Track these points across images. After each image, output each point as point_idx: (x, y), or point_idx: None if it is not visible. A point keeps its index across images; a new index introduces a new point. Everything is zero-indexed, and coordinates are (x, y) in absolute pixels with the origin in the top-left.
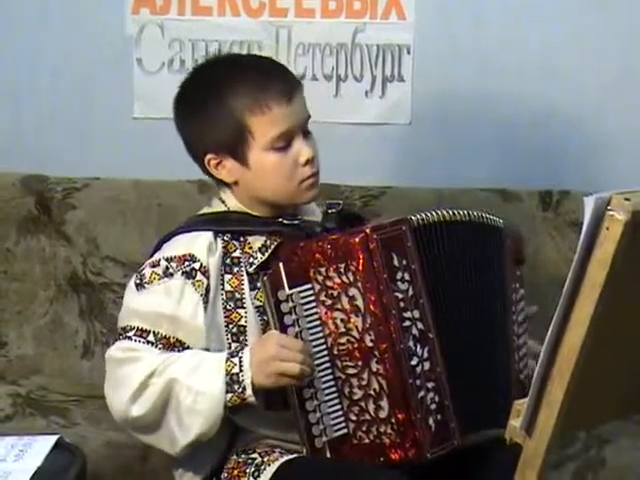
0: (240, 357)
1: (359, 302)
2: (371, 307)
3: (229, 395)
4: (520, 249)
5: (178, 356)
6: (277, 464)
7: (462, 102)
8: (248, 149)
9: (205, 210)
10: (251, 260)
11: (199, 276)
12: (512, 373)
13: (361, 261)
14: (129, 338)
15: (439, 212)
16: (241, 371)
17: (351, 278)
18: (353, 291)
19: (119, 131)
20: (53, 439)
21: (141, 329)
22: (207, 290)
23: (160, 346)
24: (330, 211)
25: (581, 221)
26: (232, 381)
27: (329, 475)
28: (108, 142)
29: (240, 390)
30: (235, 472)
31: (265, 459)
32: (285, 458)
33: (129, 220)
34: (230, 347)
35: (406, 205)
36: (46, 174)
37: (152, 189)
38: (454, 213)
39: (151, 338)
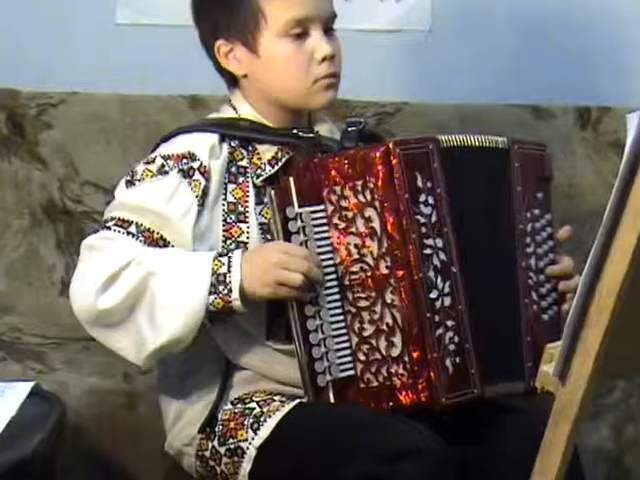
0: (229, 257)
1: (375, 224)
2: (389, 228)
3: (212, 297)
4: (541, 166)
5: (160, 249)
6: (279, 415)
7: (488, 5)
8: (260, 34)
9: (213, 115)
10: (259, 172)
11: (197, 175)
12: (522, 320)
13: (381, 176)
14: (108, 228)
15: (467, 135)
16: (229, 272)
17: (368, 197)
18: (370, 211)
19: (100, 39)
20: (28, 386)
21: (122, 219)
22: (205, 193)
23: (142, 239)
24: (350, 129)
25: (623, 141)
26: (217, 281)
27: (338, 427)
28: (87, 51)
29: (225, 292)
30: (232, 424)
31: (265, 409)
32: (287, 408)
33: (112, 140)
34: None
35: (425, 124)
36: (18, 88)
37: (137, 105)
38: (482, 139)
39: (132, 229)
